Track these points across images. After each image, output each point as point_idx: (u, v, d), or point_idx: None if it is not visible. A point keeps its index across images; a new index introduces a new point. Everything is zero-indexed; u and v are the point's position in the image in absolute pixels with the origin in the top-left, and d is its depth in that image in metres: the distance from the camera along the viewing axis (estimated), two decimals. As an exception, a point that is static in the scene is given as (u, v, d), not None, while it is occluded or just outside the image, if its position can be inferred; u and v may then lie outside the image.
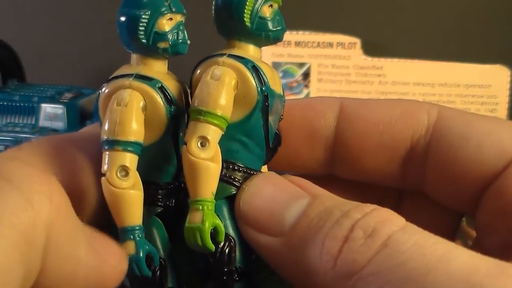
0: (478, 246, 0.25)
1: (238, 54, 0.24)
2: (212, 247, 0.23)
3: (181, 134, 0.24)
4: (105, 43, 0.65)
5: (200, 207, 0.22)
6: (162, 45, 0.23)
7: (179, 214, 0.24)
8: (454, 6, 0.83)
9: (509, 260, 0.19)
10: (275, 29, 0.24)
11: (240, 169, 0.24)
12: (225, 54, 0.24)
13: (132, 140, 0.22)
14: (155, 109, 0.23)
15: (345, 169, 0.28)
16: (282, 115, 0.26)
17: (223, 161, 0.23)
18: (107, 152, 0.22)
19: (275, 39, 0.25)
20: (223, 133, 0.23)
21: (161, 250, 0.24)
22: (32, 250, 0.18)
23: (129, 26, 0.23)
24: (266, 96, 0.24)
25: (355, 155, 0.27)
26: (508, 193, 0.24)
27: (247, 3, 0.24)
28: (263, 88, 0.24)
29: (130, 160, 0.22)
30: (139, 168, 0.22)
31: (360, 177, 0.28)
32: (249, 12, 0.24)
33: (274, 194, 0.23)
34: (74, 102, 0.68)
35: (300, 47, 0.76)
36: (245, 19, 0.24)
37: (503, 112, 0.75)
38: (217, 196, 0.23)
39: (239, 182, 0.24)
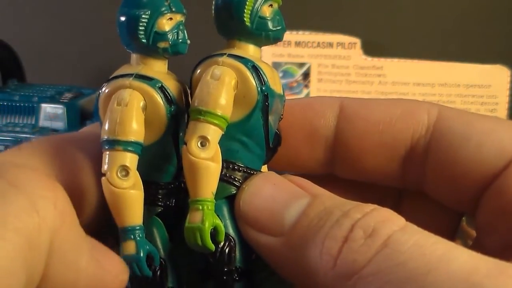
0: (478, 246, 0.25)
1: (238, 54, 0.24)
2: (212, 247, 0.23)
3: (181, 134, 0.24)
4: (105, 43, 0.65)
5: (200, 207, 0.22)
6: (162, 44, 0.23)
7: (179, 214, 0.24)
8: (454, 6, 0.83)
9: (509, 260, 0.19)
10: (275, 28, 0.24)
11: (240, 168, 0.24)
12: (225, 54, 0.24)
13: (133, 140, 0.22)
14: (155, 109, 0.23)
15: (345, 169, 0.28)
16: (282, 115, 0.26)
17: (223, 160, 0.23)
18: (108, 152, 0.22)
19: (275, 38, 0.25)
20: (223, 133, 0.23)
21: (161, 250, 0.24)
22: (36, 255, 0.18)
23: (129, 26, 0.23)
24: (266, 96, 0.24)
25: (355, 155, 0.27)
26: (508, 193, 0.24)
27: (247, 2, 0.24)
28: (263, 88, 0.24)
29: (131, 160, 0.22)
30: (139, 168, 0.22)
31: (360, 177, 0.28)
32: (249, 12, 0.24)
33: (274, 193, 0.23)
34: (74, 102, 0.68)
35: (300, 47, 0.76)
36: (245, 19, 0.24)
37: (503, 112, 0.75)
38: (217, 196, 0.23)
39: (239, 182, 0.24)
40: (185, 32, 0.23)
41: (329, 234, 0.21)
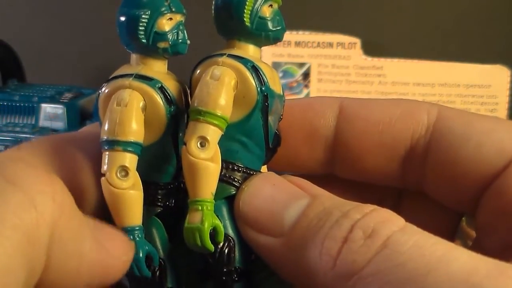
0: (478, 246, 0.25)
1: (238, 54, 0.24)
2: (212, 247, 0.23)
3: (180, 134, 0.24)
4: (105, 43, 0.65)
5: (200, 207, 0.22)
6: (162, 45, 0.23)
7: (178, 214, 0.24)
8: (454, 6, 0.83)
9: (509, 260, 0.19)
10: (275, 29, 0.24)
11: (240, 169, 0.24)
12: (224, 54, 0.24)
13: (132, 140, 0.22)
14: (155, 109, 0.23)
15: (345, 169, 0.28)
16: (281, 115, 0.26)
17: (222, 161, 0.23)
18: (107, 152, 0.22)
19: (275, 39, 0.25)
20: (223, 133, 0.23)
21: (160, 250, 0.24)
22: (36, 249, 0.18)
23: (129, 26, 0.23)
24: (266, 96, 0.24)
25: (355, 155, 0.27)
26: (508, 193, 0.24)
27: (247, 3, 0.24)
28: (263, 88, 0.24)
29: (130, 160, 0.22)
30: (139, 168, 0.22)
31: (360, 177, 0.28)
32: (249, 12, 0.24)
33: (274, 194, 0.23)
34: (74, 102, 0.68)
35: (300, 47, 0.76)
36: (244, 19, 0.24)
37: (503, 112, 0.75)
38: (217, 196, 0.23)
39: (239, 182, 0.24)
40: (185, 32, 0.23)
41: (328, 234, 0.21)
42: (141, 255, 0.22)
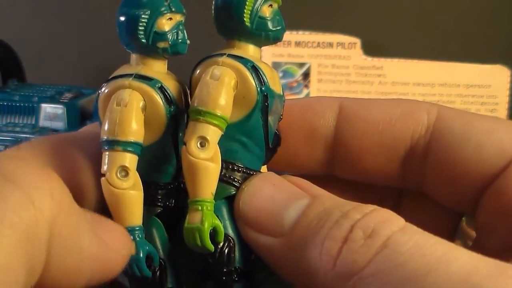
0: (478, 246, 0.25)
1: (238, 54, 0.24)
2: (212, 247, 0.22)
3: (180, 134, 0.24)
4: (105, 43, 0.65)
5: (200, 208, 0.22)
6: (161, 45, 0.23)
7: (178, 214, 0.24)
8: (454, 6, 0.83)
9: (509, 260, 0.19)
10: (274, 29, 0.24)
11: (240, 169, 0.24)
12: (224, 54, 0.24)
13: (132, 140, 0.22)
14: (155, 109, 0.23)
15: (345, 169, 0.28)
16: (281, 115, 0.26)
17: (222, 161, 0.23)
18: (107, 153, 0.22)
19: (275, 39, 0.25)
20: (223, 133, 0.23)
21: (160, 251, 0.24)
22: (35, 247, 0.18)
23: (129, 26, 0.23)
24: (266, 96, 0.24)
25: (354, 155, 0.27)
26: (508, 193, 0.24)
27: (247, 3, 0.24)
28: (263, 88, 0.24)
29: (130, 160, 0.22)
30: (139, 169, 0.22)
31: (359, 177, 0.28)
32: (249, 12, 0.24)
33: (274, 194, 0.23)
34: (74, 102, 0.68)
35: (300, 47, 0.76)
36: (244, 19, 0.24)
37: (503, 112, 0.75)
38: (217, 196, 0.23)
39: (239, 183, 0.24)
40: (185, 32, 0.23)
41: (328, 234, 0.21)
42: (141, 255, 0.22)
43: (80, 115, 0.68)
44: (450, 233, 0.28)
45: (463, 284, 0.18)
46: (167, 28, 0.23)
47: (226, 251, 0.23)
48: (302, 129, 0.28)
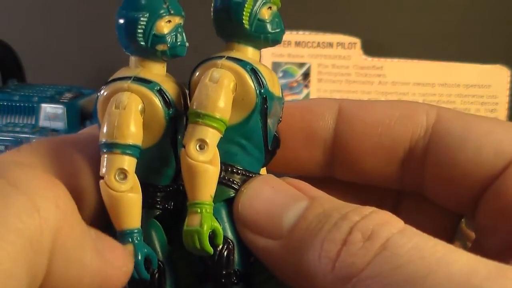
0: (477, 247, 0.25)
1: (237, 57, 0.24)
2: (211, 250, 0.22)
3: (179, 137, 0.24)
4: (105, 43, 0.64)
5: (199, 210, 0.22)
6: (160, 47, 0.23)
7: (177, 216, 0.24)
8: (454, 6, 0.83)
9: (508, 261, 0.19)
10: (274, 31, 0.24)
11: (239, 171, 0.24)
12: (223, 56, 0.24)
13: (131, 143, 0.22)
14: (154, 111, 0.23)
15: (344, 170, 0.28)
16: (281, 118, 0.26)
17: (221, 163, 0.23)
18: (106, 155, 0.22)
19: (274, 41, 0.25)
20: (222, 135, 0.23)
21: (159, 253, 0.24)
22: (38, 255, 0.18)
23: (128, 29, 0.23)
24: (265, 99, 0.24)
25: (353, 157, 0.27)
26: (508, 195, 0.24)
27: (246, 5, 0.24)
28: (262, 91, 0.24)
29: (129, 163, 0.22)
30: (138, 171, 0.22)
31: (359, 179, 0.28)
32: (248, 15, 0.24)
33: (273, 196, 0.23)
34: (74, 102, 0.68)
35: (300, 47, 0.76)
36: (243, 21, 0.24)
37: (503, 112, 0.75)
38: (216, 199, 0.23)
39: (238, 185, 0.24)
40: (184, 34, 0.23)
41: (327, 237, 0.21)
42: (139, 257, 0.22)
43: (80, 115, 0.68)
44: (450, 235, 0.28)
45: (462, 286, 0.18)
46: (166, 30, 0.23)
47: (225, 253, 0.23)
48: (301, 131, 0.28)
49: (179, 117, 0.24)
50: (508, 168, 0.24)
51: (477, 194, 0.25)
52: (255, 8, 0.24)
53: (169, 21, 0.23)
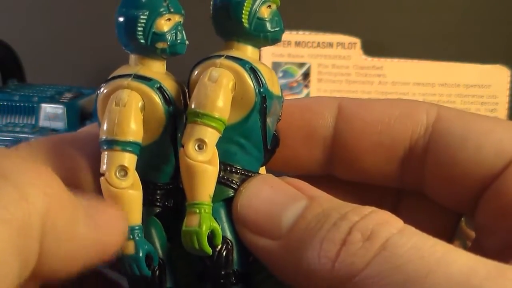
0: (477, 246, 0.25)
1: (236, 56, 0.24)
2: (209, 250, 0.22)
3: (179, 135, 0.24)
4: (105, 43, 0.64)
5: (197, 211, 0.22)
6: (160, 45, 0.23)
7: (177, 214, 0.24)
8: (454, 6, 0.83)
9: (508, 261, 0.19)
10: (273, 30, 0.24)
11: (238, 171, 0.24)
12: (222, 55, 0.23)
13: (131, 140, 0.22)
14: (154, 109, 0.23)
15: (344, 169, 0.28)
16: (280, 116, 0.26)
17: (220, 163, 0.23)
18: (106, 152, 0.22)
19: (273, 40, 0.24)
20: (221, 135, 0.23)
21: (159, 251, 0.24)
22: (28, 240, 0.18)
23: (127, 27, 0.23)
24: (264, 98, 0.24)
25: (353, 155, 0.27)
26: (508, 194, 0.24)
27: (245, 4, 0.23)
28: (261, 90, 0.23)
29: (129, 160, 0.22)
30: (137, 169, 0.22)
31: (358, 178, 0.28)
32: (247, 13, 0.24)
33: (272, 196, 0.23)
34: (74, 102, 0.68)
35: (300, 47, 0.76)
36: (243, 20, 0.24)
37: (503, 112, 0.75)
38: (215, 198, 0.23)
39: (237, 185, 0.24)
40: (184, 32, 0.23)
41: (327, 237, 0.21)
42: (141, 254, 0.22)
43: (80, 115, 0.68)
44: (449, 234, 0.28)
45: (462, 286, 0.18)
46: (165, 28, 0.23)
47: (224, 253, 0.23)
48: (301, 130, 0.28)
49: (179, 114, 0.24)
50: (508, 168, 0.24)
51: (477, 193, 0.25)
52: (254, 7, 0.24)
53: (169, 19, 0.23)
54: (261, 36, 0.24)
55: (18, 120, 0.68)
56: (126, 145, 0.22)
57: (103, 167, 0.22)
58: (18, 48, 0.77)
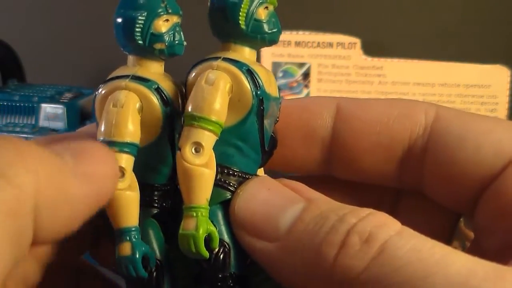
0: (476, 247, 0.25)
1: (233, 58, 0.23)
2: (206, 253, 0.22)
3: (177, 136, 0.24)
4: (105, 43, 0.64)
5: (194, 214, 0.22)
6: (158, 46, 0.23)
7: (175, 215, 0.24)
8: (454, 6, 0.83)
9: (507, 261, 0.19)
10: (270, 31, 0.24)
11: (235, 173, 0.24)
12: (219, 57, 0.23)
13: (128, 141, 0.22)
14: (151, 110, 0.23)
15: (342, 169, 0.28)
16: (278, 117, 0.26)
17: (217, 165, 0.23)
18: None
19: (270, 41, 0.24)
20: (217, 138, 0.23)
21: (157, 252, 0.24)
22: (20, 220, 0.18)
23: (126, 27, 0.23)
24: (261, 100, 0.23)
25: (352, 155, 0.27)
26: (507, 194, 0.24)
27: (242, 5, 0.23)
28: (258, 92, 0.23)
29: (126, 161, 0.22)
30: (135, 170, 0.22)
31: (357, 178, 0.28)
32: (244, 15, 0.23)
33: (269, 198, 0.23)
34: (74, 102, 0.68)
35: (300, 47, 0.76)
36: (240, 21, 0.23)
37: (503, 112, 0.75)
38: (212, 201, 0.23)
39: (234, 187, 0.24)
40: (182, 33, 0.23)
41: (325, 239, 0.21)
42: (137, 255, 0.22)
43: (80, 115, 0.68)
44: (448, 234, 0.28)
45: (461, 287, 0.18)
46: (163, 29, 0.23)
47: (221, 256, 0.23)
48: (299, 130, 0.27)
49: (177, 115, 0.24)
50: (507, 168, 0.24)
51: (476, 194, 0.25)
52: (251, 8, 0.23)
53: (167, 20, 0.23)
54: (258, 38, 0.24)
55: (18, 120, 0.68)
56: (123, 146, 0.22)
57: (101, 168, 0.22)
58: (18, 48, 0.77)
